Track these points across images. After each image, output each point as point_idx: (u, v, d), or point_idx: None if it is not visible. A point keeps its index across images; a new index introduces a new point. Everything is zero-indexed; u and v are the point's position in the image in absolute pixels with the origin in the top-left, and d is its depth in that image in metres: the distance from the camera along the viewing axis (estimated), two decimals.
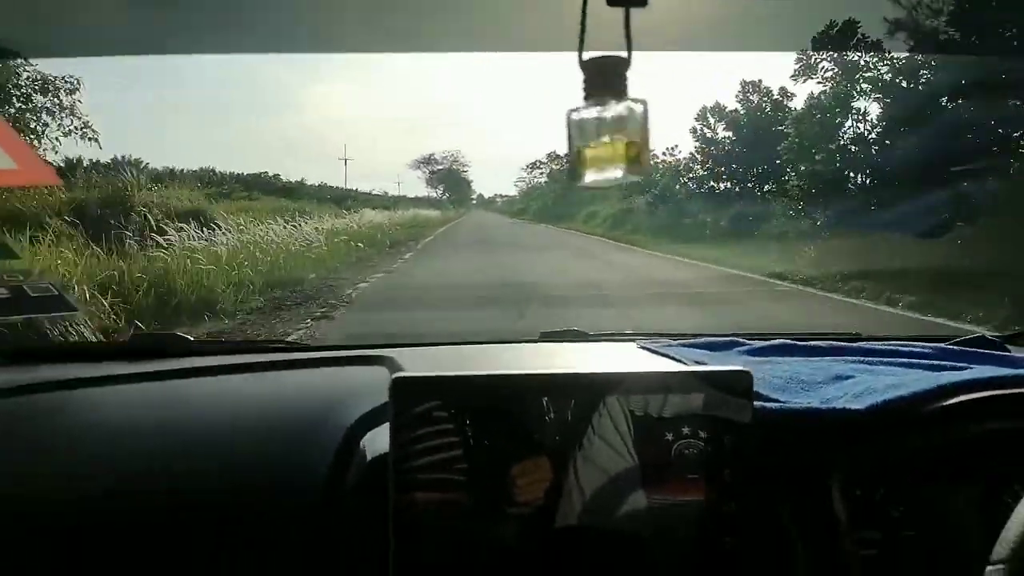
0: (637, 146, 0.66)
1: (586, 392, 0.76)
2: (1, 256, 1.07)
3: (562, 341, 1.43)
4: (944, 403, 0.85)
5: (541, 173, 41.91)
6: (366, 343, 1.36)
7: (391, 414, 0.74)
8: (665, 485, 0.75)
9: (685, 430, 0.75)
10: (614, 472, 0.75)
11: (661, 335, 1.38)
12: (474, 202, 48.78)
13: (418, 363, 1.14)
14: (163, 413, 1.06)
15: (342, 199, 22.40)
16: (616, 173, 0.67)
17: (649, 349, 1.26)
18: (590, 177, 0.67)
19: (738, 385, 0.76)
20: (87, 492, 0.86)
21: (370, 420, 0.92)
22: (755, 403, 0.77)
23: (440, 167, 44.59)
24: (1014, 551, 0.64)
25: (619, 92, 0.65)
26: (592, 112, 0.66)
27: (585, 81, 0.65)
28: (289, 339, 1.38)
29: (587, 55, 0.65)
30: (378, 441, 0.86)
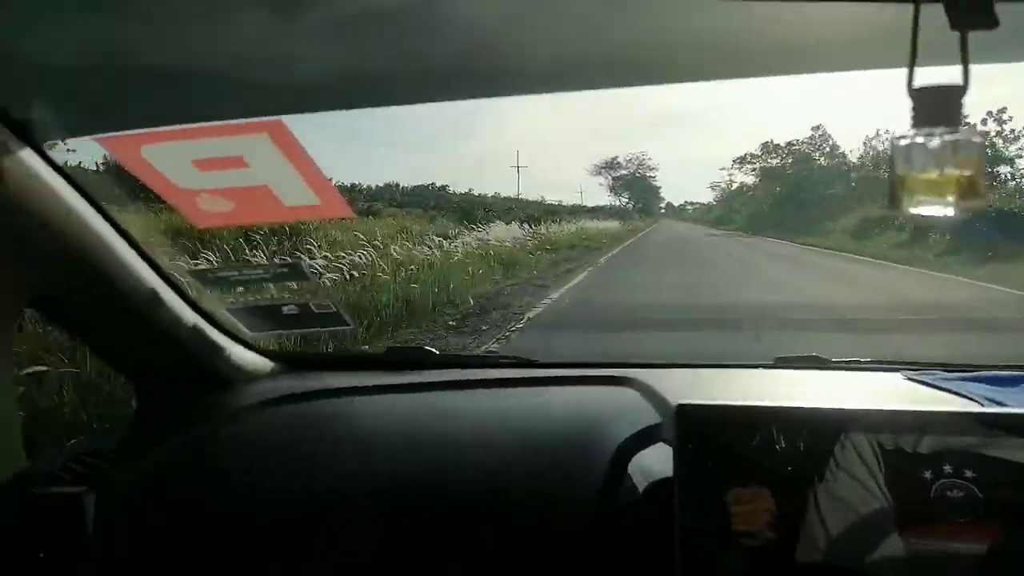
0: (973, 179, 0.60)
1: (892, 431, 0.71)
2: (295, 277, 1.21)
3: (800, 368, 1.33)
4: None
5: (752, 170, 36.66)
6: (601, 361, 1.37)
7: (676, 440, 0.76)
8: (923, 528, 0.68)
9: (947, 468, 0.68)
10: (867, 511, 0.70)
11: (930, 365, 1.23)
12: (662, 211, 44.93)
13: (658, 384, 1.12)
14: (420, 425, 1.14)
15: (505, 210, 21.69)
16: (947, 207, 0.61)
17: (921, 381, 1.13)
18: (916, 209, 0.62)
19: None
20: (357, 497, 0.95)
21: (636, 441, 0.94)
22: None
23: (624, 172, 41.45)
24: None
25: (954, 122, 0.59)
26: (921, 140, 0.60)
27: (914, 110, 0.60)
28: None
29: (918, 82, 0.59)
30: (647, 462, 0.88)
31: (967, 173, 0.60)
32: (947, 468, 0.68)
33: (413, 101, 0.98)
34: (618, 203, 40.76)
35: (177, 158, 0.93)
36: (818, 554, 0.72)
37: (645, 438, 0.94)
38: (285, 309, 1.30)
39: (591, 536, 0.84)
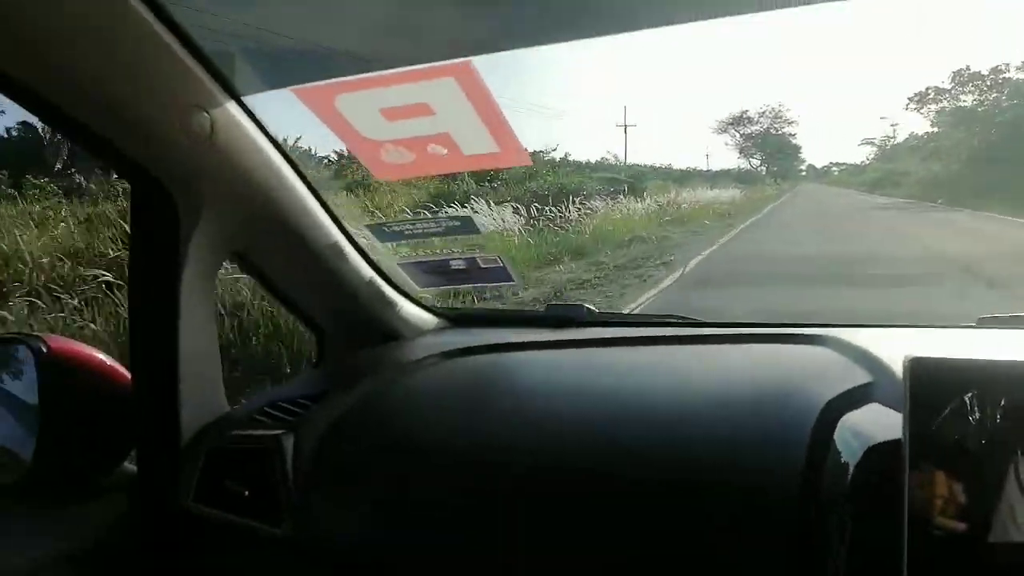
0: None
1: None
2: (466, 231, 1.21)
3: (1009, 328, 1.17)
4: None
5: (940, 110, 24.49)
6: (779, 321, 1.28)
7: (907, 396, 0.67)
8: None
9: None
10: None
11: None
12: (802, 173, 35.18)
13: (859, 343, 1.02)
14: (589, 379, 1.11)
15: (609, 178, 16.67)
16: None
17: None
18: None
19: None
20: (525, 451, 0.93)
21: (845, 401, 0.85)
22: None
23: (755, 128, 32.37)
24: None
25: None
26: None
27: None
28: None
29: None
30: (859, 423, 0.80)
31: None
32: None
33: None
34: (748, 166, 32.24)
35: (368, 107, 0.93)
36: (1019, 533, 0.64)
37: (856, 398, 0.86)
38: (453, 264, 1.31)
39: (800, 503, 0.77)
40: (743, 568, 0.77)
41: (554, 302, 2.48)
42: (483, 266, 1.31)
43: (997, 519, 0.65)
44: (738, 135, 32.57)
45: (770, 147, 32.59)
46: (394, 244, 1.28)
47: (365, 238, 1.29)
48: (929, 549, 0.66)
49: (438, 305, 1.50)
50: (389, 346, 1.32)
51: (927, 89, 25.53)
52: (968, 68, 23.87)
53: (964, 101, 24.13)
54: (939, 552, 0.66)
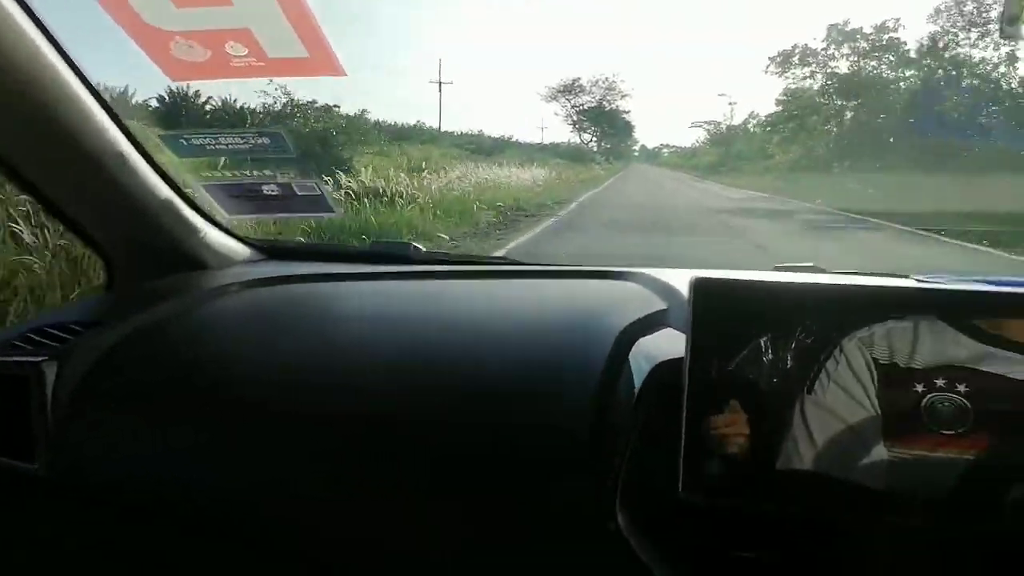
0: None
1: (925, 311, 0.68)
2: (276, 150, 1.11)
3: (801, 273, 1.28)
4: None
5: (810, 73, 18.67)
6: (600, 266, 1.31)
7: (690, 316, 0.69)
8: (908, 438, 0.67)
9: (939, 382, 0.67)
10: (853, 419, 0.68)
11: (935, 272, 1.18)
12: (635, 154, 31.13)
13: (662, 278, 1.06)
14: (410, 310, 1.08)
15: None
16: None
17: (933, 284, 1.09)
18: None
19: None
20: (338, 379, 0.89)
21: (638, 328, 0.88)
22: None
23: (587, 99, 27.58)
24: None
25: None
26: None
27: None
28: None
29: None
30: (651, 348, 0.83)
31: None
32: (940, 382, 0.67)
33: None
34: (580, 141, 27.97)
35: None
36: (800, 461, 0.69)
37: (650, 323, 0.89)
38: (266, 189, 1.21)
39: (591, 420, 0.79)
40: (533, 483, 0.77)
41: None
42: (299, 193, 1.21)
43: (776, 445, 0.69)
44: (569, 105, 27.91)
45: (603, 122, 28.41)
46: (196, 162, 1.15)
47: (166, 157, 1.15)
48: (706, 468, 0.69)
49: (253, 236, 1.39)
50: (188, 275, 1.20)
51: (793, 48, 18.99)
52: (845, 24, 18.21)
53: (836, 64, 18.35)
54: (715, 472, 0.69)
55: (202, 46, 0.90)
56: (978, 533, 0.68)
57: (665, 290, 0.98)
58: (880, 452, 0.68)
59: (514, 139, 22.55)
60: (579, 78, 27.66)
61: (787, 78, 19.61)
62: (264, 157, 1.12)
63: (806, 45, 19.19)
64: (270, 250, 1.37)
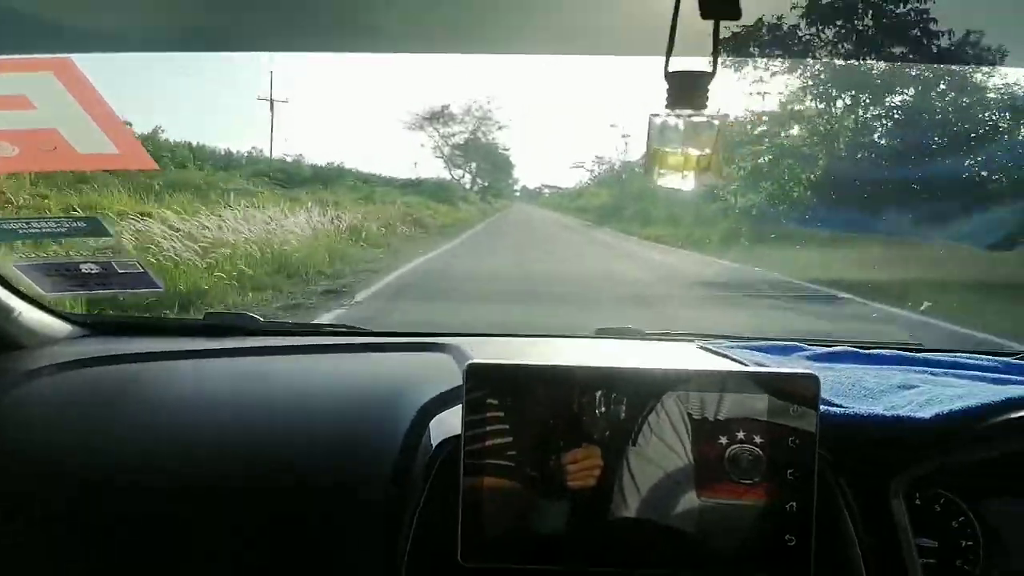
0: (709, 158, 0.70)
1: (651, 388, 0.79)
2: (93, 234, 1.14)
3: (618, 338, 1.44)
4: (1010, 416, 0.86)
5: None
6: (429, 331, 1.40)
7: (464, 398, 0.78)
8: (717, 487, 0.78)
9: (740, 435, 0.77)
10: (668, 470, 0.78)
11: (721, 337, 1.38)
12: (516, 193, 28.72)
13: (481, 352, 1.17)
14: (237, 388, 1.12)
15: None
16: (688, 181, 0.70)
17: (709, 350, 1.27)
18: (662, 180, 0.71)
19: (804, 389, 0.78)
20: (161, 460, 0.93)
21: (439, 403, 0.97)
22: (820, 408, 0.79)
23: (459, 129, 24.72)
24: None
25: (700, 106, 0.68)
26: (672, 120, 0.69)
27: (668, 92, 0.68)
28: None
29: (673, 66, 0.67)
30: (447, 423, 0.92)
31: (706, 151, 0.70)
32: (740, 434, 0.77)
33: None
34: (451, 177, 24.71)
35: None
36: (626, 510, 0.78)
37: (446, 399, 0.98)
38: (84, 268, 1.22)
39: (386, 490, 0.88)
40: (329, 549, 0.85)
41: (213, 310, 2.38)
42: (120, 271, 1.23)
43: (541, 508, 0.78)
44: (437, 135, 24.56)
45: (479, 157, 25.32)
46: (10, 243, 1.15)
47: None
48: (481, 534, 0.78)
49: (75, 313, 1.38)
50: (2, 356, 1.18)
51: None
52: None
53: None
54: (490, 536, 0.78)
55: (10, 144, 0.93)
56: None
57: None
58: (692, 501, 0.77)
59: (350, 167, 18.20)
60: (448, 105, 24.81)
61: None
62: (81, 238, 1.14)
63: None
64: (94, 325, 1.36)
